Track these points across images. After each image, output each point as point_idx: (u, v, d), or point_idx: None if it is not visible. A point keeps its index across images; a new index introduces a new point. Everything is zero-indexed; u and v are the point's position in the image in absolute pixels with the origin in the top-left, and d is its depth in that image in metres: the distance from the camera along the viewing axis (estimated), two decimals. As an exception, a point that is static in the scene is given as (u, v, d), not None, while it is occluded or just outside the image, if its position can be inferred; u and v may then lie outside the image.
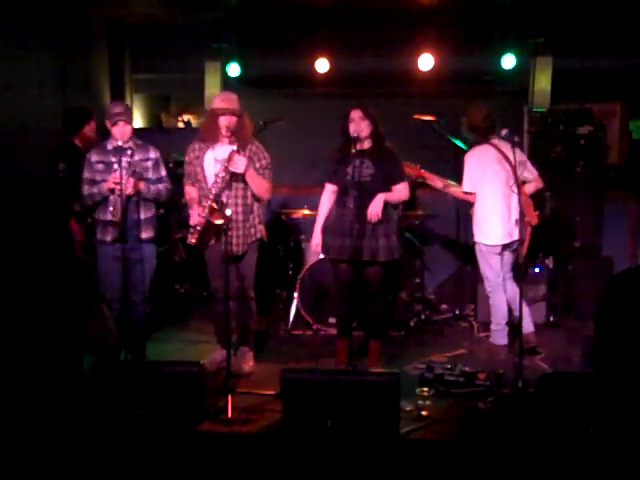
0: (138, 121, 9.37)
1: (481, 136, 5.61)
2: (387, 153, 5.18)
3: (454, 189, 5.68)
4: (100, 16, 8.08)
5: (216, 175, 5.04)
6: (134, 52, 8.83)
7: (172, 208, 7.37)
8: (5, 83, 6.22)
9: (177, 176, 7.22)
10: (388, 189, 5.19)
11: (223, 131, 5.04)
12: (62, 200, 2.99)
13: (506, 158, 5.45)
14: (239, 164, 4.96)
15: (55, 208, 2.94)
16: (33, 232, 2.88)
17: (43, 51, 6.86)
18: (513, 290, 5.59)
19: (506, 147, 5.45)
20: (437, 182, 5.67)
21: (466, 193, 5.60)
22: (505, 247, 5.61)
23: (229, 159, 4.97)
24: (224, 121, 5.02)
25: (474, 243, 5.76)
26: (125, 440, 3.00)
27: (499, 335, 5.68)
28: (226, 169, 4.99)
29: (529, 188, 5.64)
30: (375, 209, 5.03)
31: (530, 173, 5.64)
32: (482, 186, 5.55)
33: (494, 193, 5.53)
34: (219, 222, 4.89)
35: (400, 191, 5.24)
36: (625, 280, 3.30)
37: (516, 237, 5.31)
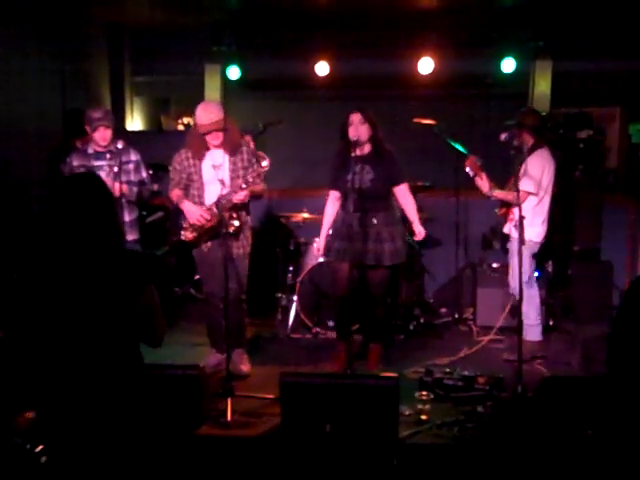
0: (138, 124, 9.38)
1: (540, 138, 5.61)
2: (386, 156, 5.19)
3: (498, 192, 5.54)
4: (100, 18, 8.09)
5: (231, 185, 5.02)
6: (134, 54, 8.84)
7: (171, 211, 7.37)
8: (5, 85, 6.22)
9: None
10: (389, 192, 5.21)
11: (211, 146, 5.07)
12: (108, 194, 3.10)
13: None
14: (244, 197, 4.99)
15: (105, 203, 3.04)
16: (86, 224, 2.95)
17: (43, 53, 6.86)
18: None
19: None
20: (486, 184, 5.52)
21: (528, 193, 5.51)
22: None
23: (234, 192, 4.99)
24: (211, 139, 5.02)
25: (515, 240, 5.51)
26: (123, 444, 2.99)
27: (536, 331, 5.71)
28: (247, 182, 4.97)
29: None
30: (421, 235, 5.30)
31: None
32: (543, 188, 5.58)
33: (549, 195, 5.62)
34: (230, 230, 4.97)
35: (402, 192, 5.26)
36: None
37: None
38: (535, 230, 5.58)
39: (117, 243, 3.07)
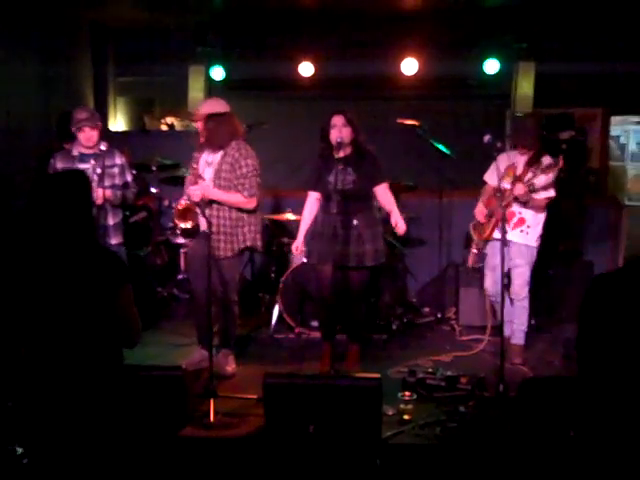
0: (121, 124, 9.34)
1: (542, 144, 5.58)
2: (367, 157, 5.21)
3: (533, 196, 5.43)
4: (83, 18, 8.06)
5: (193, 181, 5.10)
6: (118, 55, 8.82)
7: (155, 212, 7.36)
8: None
9: (160, 180, 7.23)
10: (370, 193, 5.24)
11: (202, 137, 5.15)
12: (87, 192, 3.12)
13: None
14: (194, 195, 5.00)
15: (81, 199, 3.06)
16: (62, 221, 2.98)
17: (26, 53, 6.82)
18: None
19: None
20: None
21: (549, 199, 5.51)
22: None
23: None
24: (199, 129, 5.17)
25: (526, 247, 5.49)
26: (106, 445, 2.99)
27: (523, 335, 5.69)
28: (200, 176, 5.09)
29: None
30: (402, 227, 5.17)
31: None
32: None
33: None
34: (185, 225, 5.06)
35: (381, 190, 5.27)
36: (607, 281, 3.30)
37: None
38: (538, 234, 5.52)
39: (92, 242, 3.09)
